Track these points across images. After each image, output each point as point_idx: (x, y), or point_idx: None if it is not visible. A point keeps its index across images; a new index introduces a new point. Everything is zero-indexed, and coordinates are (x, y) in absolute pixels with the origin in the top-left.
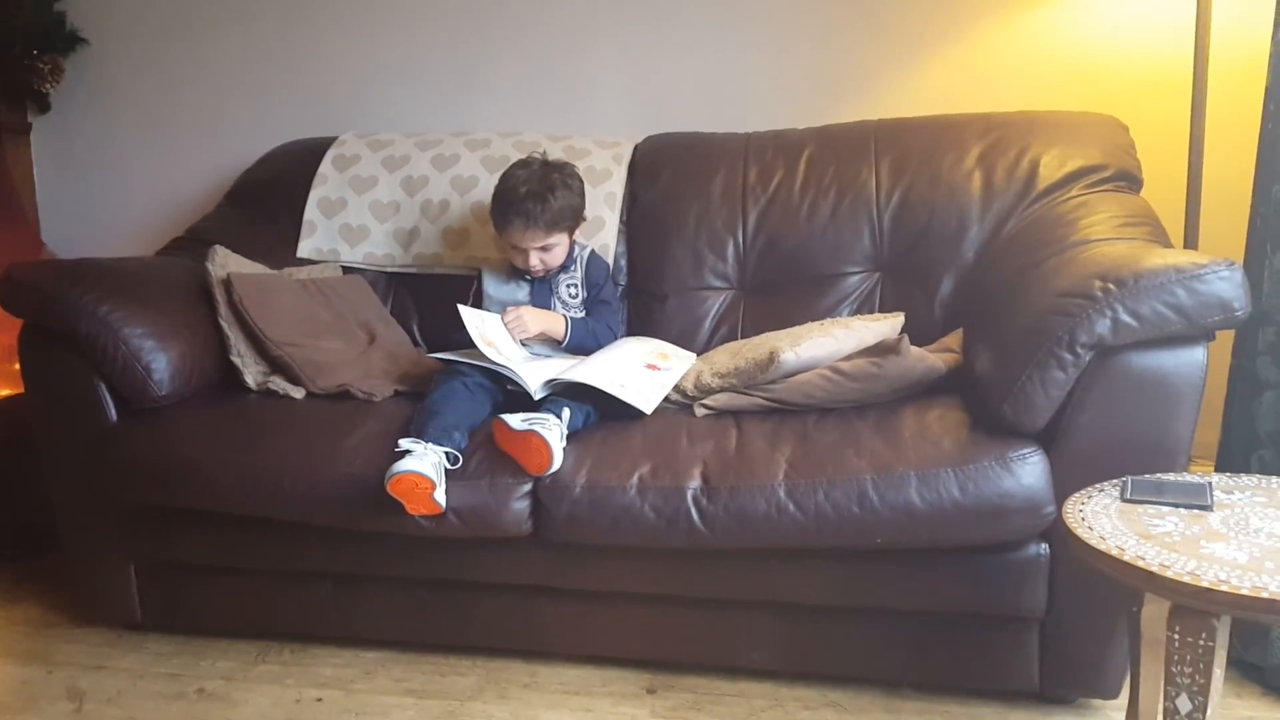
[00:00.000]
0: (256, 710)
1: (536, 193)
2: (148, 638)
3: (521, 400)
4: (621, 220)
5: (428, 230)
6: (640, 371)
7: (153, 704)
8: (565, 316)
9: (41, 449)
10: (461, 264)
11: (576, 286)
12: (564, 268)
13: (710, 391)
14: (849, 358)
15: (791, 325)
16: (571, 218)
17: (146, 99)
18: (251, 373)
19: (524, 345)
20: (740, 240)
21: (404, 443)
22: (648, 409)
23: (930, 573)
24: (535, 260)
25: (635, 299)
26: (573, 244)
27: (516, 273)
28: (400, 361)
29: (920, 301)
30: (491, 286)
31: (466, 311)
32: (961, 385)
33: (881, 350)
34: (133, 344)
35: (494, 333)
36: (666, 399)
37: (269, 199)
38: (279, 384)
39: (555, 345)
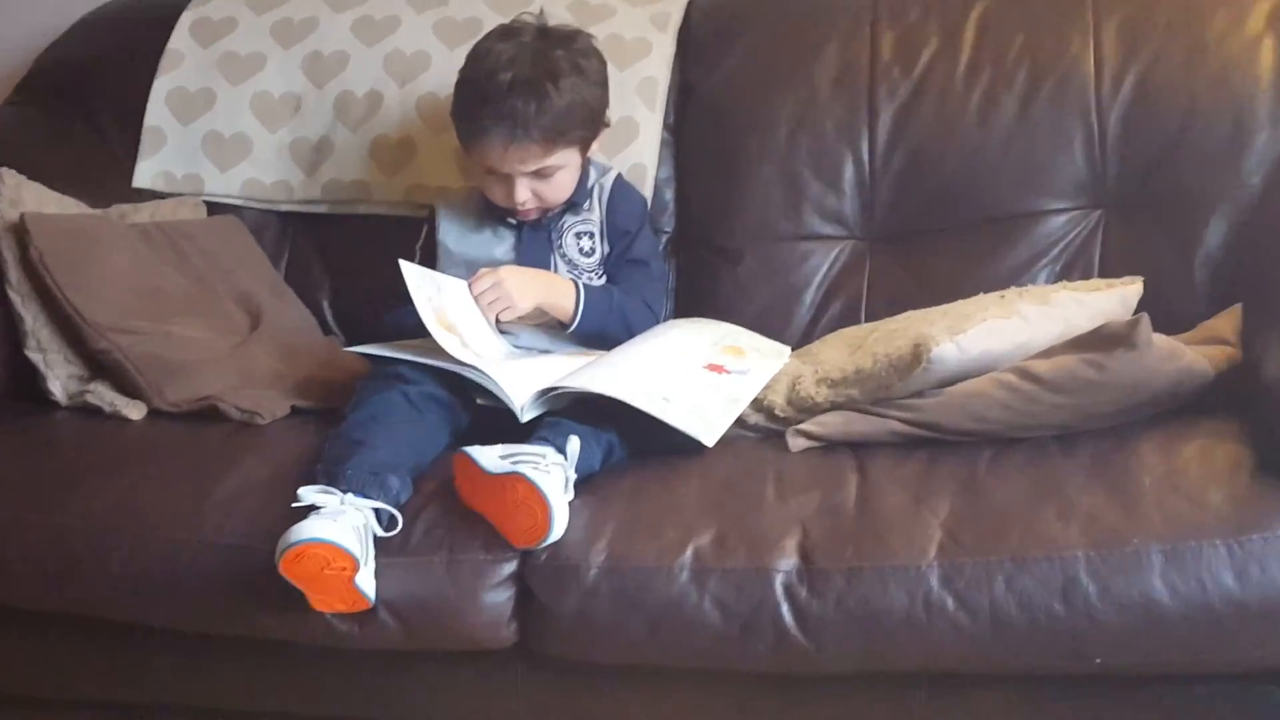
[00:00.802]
0: None
1: (528, 81)
2: None
3: (502, 422)
4: (667, 125)
5: (347, 143)
6: (697, 376)
7: None
8: (575, 282)
9: None
10: (402, 199)
11: (594, 237)
12: (572, 206)
13: (814, 410)
14: (1048, 353)
15: (949, 300)
16: (584, 123)
17: None
18: (59, 377)
19: (505, 333)
20: (865, 157)
21: (307, 493)
22: (709, 438)
23: (1183, 713)
24: (525, 193)
25: (689, 255)
26: (587, 165)
27: (494, 214)
28: (301, 359)
29: (1170, 260)
30: (452, 237)
31: (411, 271)
32: (1239, 399)
33: (1104, 341)
34: None
35: (456, 309)
36: (741, 421)
37: (85, 92)
38: (103, 395)
39: (558, 330)
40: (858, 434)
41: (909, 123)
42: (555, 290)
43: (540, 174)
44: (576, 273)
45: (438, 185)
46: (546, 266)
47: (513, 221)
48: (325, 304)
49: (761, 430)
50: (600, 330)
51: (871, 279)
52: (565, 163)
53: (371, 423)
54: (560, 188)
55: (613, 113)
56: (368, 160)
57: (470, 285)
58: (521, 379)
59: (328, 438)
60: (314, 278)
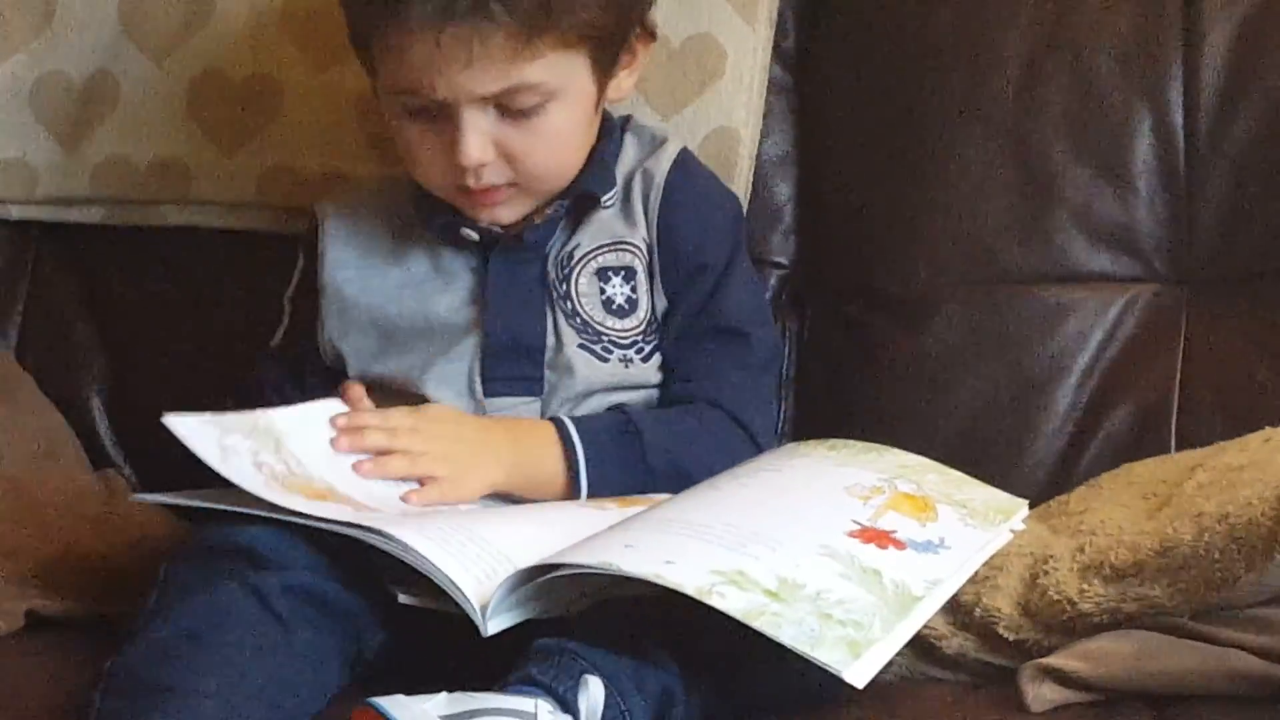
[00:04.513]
0: None
1: None
2: None
3: (453, 639)
4: (782, 55)
5: (145, 85)
6: (835, 553)
7: None
8: (560, 426)
9: None
10: (253, 195)
11: (633, 276)
12: (585, 203)
13: (1075, 625)
14: None
15: None
16: (605, 3)
17: None
18: None
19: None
20: (1178, 124)
21: None
22: (858, 670)
23: None
24: (479, 143)
25: (823, 312)
26: (616, 130)
27: (435, 224)
28: (47, 518)
29: None
30: (352, 273)
31: (191, 430)
32: None
33: None
34: None
35: (313, 459)
36: (924, 646)
37: None
38: None
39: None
40: (1162, 676)
41: (1261, 52)
42: (528, 453)
43: (510, 105)
44: (598, 345)
45: (323, 171)
46: (538, 323)
47: (473, 234)
48: (96, 403)
49: (969, 666)
50: (634, 479)
51: (1191, 358)
52: (561, 83)
53: (188, 648)
54: (551, 140)
55: (672, 22)
56: (185, 119)
57: (335, 428)
58: (482, 553)
59: (101, 676)
60: (76, 351)
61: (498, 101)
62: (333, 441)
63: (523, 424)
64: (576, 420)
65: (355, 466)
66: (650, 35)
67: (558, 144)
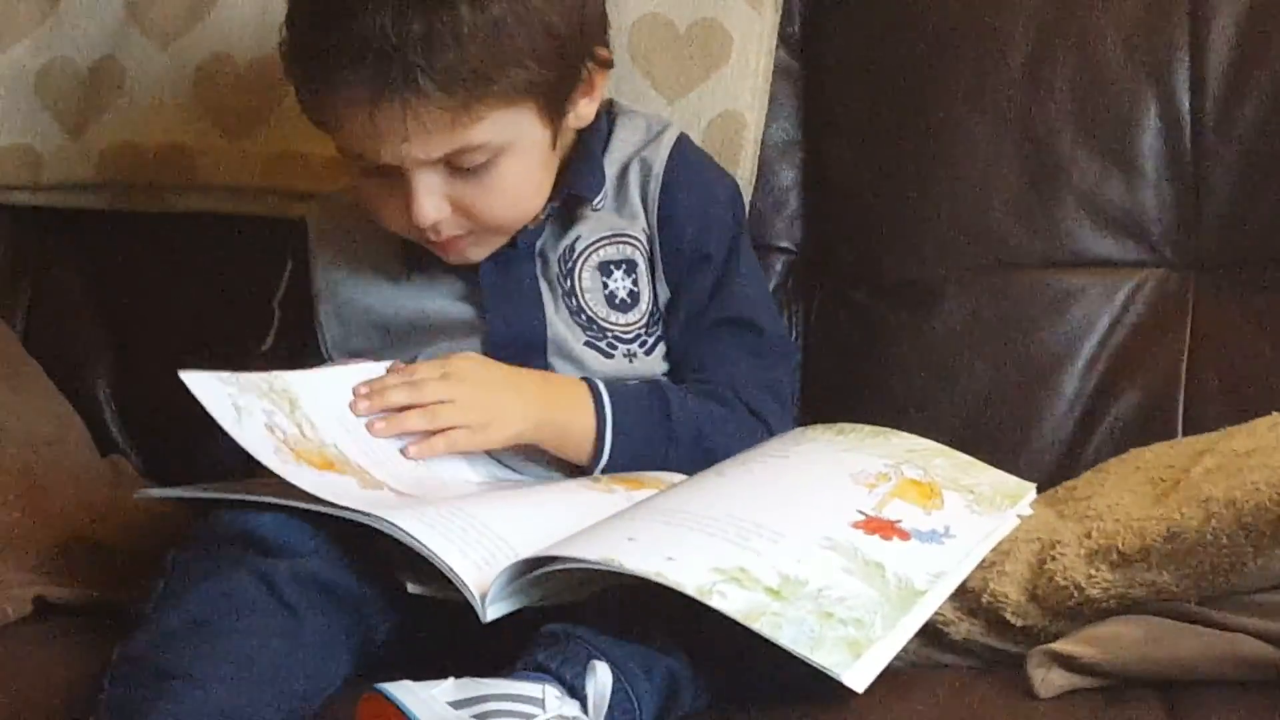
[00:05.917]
0: None
1: None
2: None
3: (466, 629)
4: (787, 39)
5: (152, 69)
6: (838, 544)
7: None
8: (590, 385)
9: None
10: (256, 179)
11: (634, 269)
12: (572, 203)
13: (1082, 611)
14: None
15: None
16: (540, 53)
17: None
18: None
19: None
20: (1184, 109)
21: None
22: (858, 672)
23: None
24: (435, 204)
25: (830, 297)
26: (599, 131)
27: (414, 244)
28: (54, 505)
29: None
30: (346, 275)
31: (207, 387)
32: None
33: None
34: None
35: (341, 423)
36: (933, 634)
37: None
38: None
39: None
40: (1169, 661)
41: (1267, 37)
42: (558, 404)
43: (459, 164)
44: (602, 341)
45: (330, 156)
46: (537, 316)
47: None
48: (103, 389)
49: (976, 651)
50: (650, 459)
51: (1198, 344)
52: (509, 138)
53: (198, 635)
54: (507, 192)
55: (678, 6)
56: (191, 105)
57: (357, 395)
58: (482, 538)
59: (110, 662)
60: (82, 337)
61: (446, 161)
62: (352, 405)
63: (554, 377)
64: (606, 381)
65: (369, 426)
66: (606, 64)
67: (513, 193)
